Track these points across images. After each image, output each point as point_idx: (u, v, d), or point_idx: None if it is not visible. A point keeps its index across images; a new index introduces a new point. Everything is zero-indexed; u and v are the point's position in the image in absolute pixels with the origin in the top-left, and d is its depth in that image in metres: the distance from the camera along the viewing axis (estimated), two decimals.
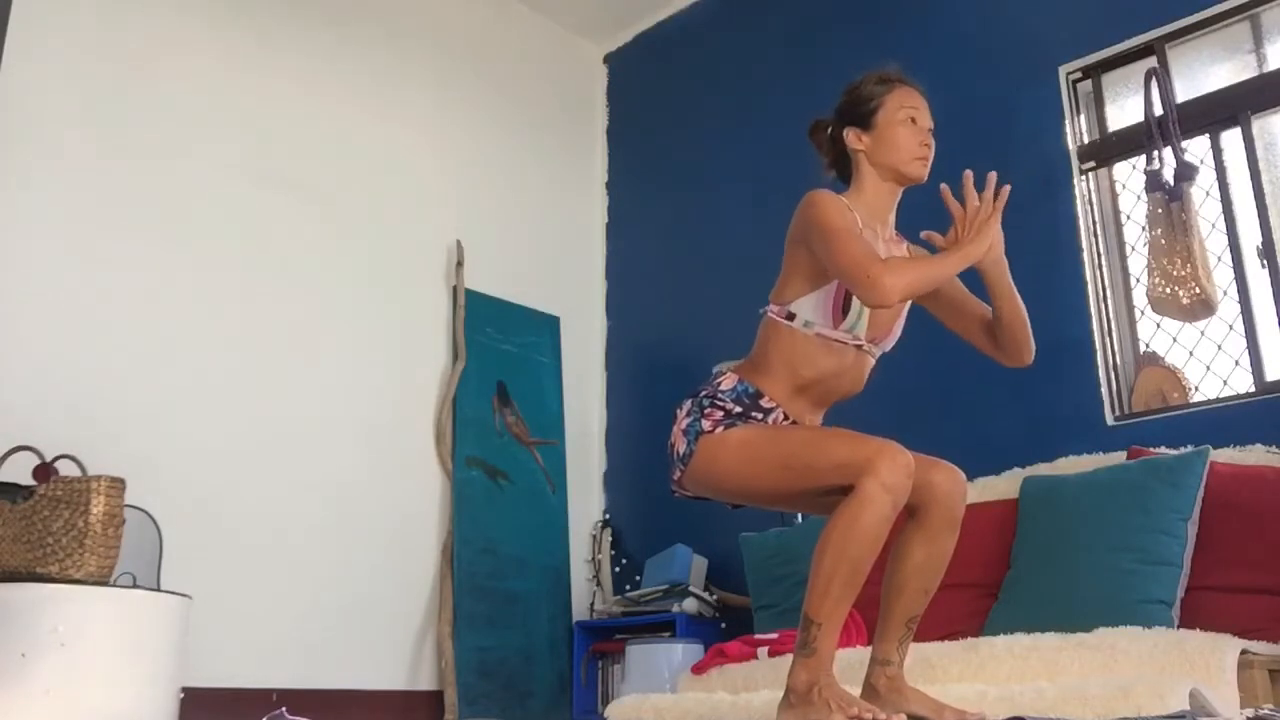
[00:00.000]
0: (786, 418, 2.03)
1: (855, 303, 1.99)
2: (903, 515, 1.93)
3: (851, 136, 2.12)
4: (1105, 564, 2.68)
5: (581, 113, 5.17)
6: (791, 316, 2.02)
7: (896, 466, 1.78)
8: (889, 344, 2.11)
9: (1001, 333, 2.11)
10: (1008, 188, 2.01)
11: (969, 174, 2.01)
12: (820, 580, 1.80)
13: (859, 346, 2.04)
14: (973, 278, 2.09)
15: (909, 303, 2.13)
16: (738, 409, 1.99)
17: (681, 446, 2.01)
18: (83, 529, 2.55)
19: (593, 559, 4.55)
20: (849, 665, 2.26)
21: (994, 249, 2.02)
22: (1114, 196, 3.53)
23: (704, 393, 2.04)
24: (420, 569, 3.97)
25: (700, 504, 4.23)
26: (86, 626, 2.49)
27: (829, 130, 2.18)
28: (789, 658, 1.89)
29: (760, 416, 2.00)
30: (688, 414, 2.03)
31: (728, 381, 2.04)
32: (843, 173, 2.18)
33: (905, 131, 2.07)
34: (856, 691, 1.96)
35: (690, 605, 3.90)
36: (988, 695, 2.10)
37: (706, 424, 1.98)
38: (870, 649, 2.05)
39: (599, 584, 4.47)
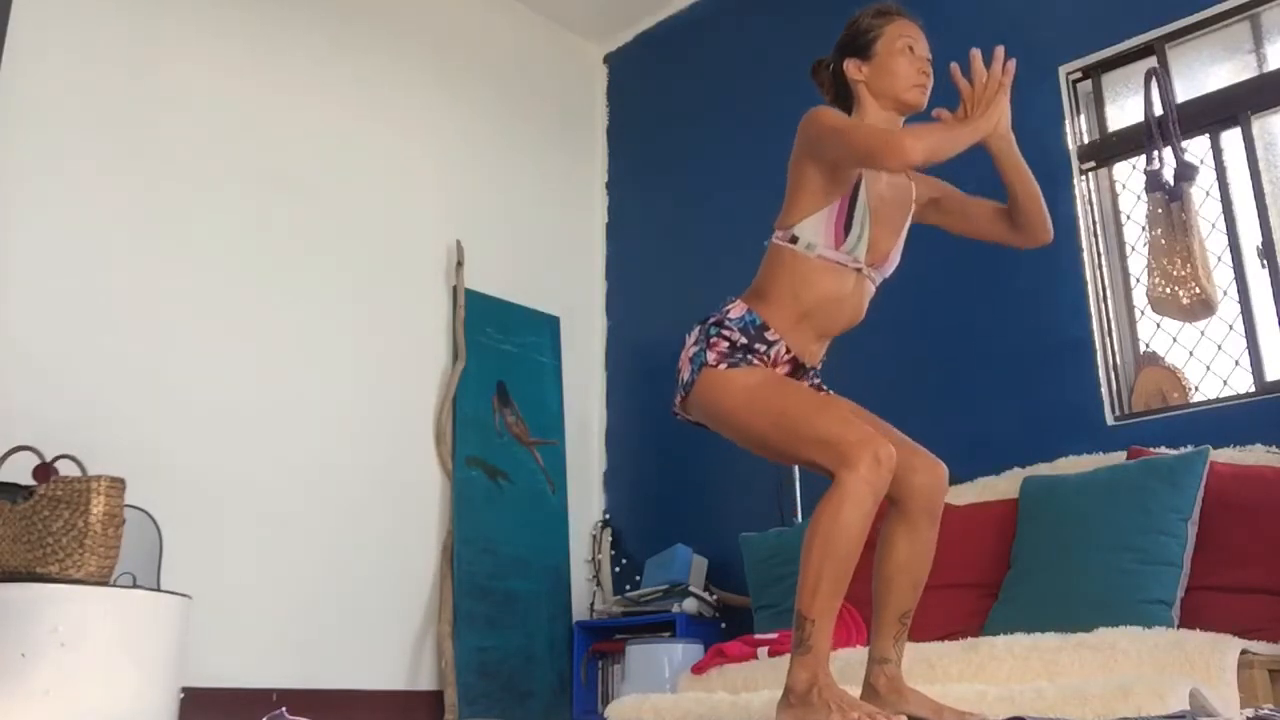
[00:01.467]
0: (788, 351, 2.04)
1: (856, 224, 2.03)
2: (885, 507, 1.96)
3: (851, 68, 2.15)
4: (1105, 564, 2.68)
5: (581, 113, 5.17)
6: (794, 240, 2.05)
7: (876, 461, 1.80)
8: (888, 270, 2.13)
9: (1018, 212, 2.15)
10: (1014, 62, 2.05)
11: (976, 52, 2.05)
12: (809, 577, 1.82)
13: (859, 271, 2.06)
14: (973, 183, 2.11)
15: (907, 228, 2.15)
16: (742, 340, 2.01)
17: (686, 374, 2.06)
18: (83, 529, 2.55)
19: (593, 559, 4.55)
20: (849, 665, 2.26)
21: (1001, 123, 2.06)
22: (1114, 196, 3.53)
23: (712, 320, 2.07)
24: (420, 569, 3.97)
25: (700, 504, 4.26)
26: (86, 626, 2.49)
27: (829, 66, 2.21)
28: (789, 658, 1.89)
29: (764, 349, 2.02)
30: (695, 342, 2.06)
31: (735, 310, 2.06)
32: (844, 106, 2.20)
33: (904, 60, 2.10)
34: (856, 692, 1.96)
35: (690, 605, 3.90)
36: (988, 695, 2.10)
37: (711, 355, 2.00)
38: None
39: (599, 584, 4.47)
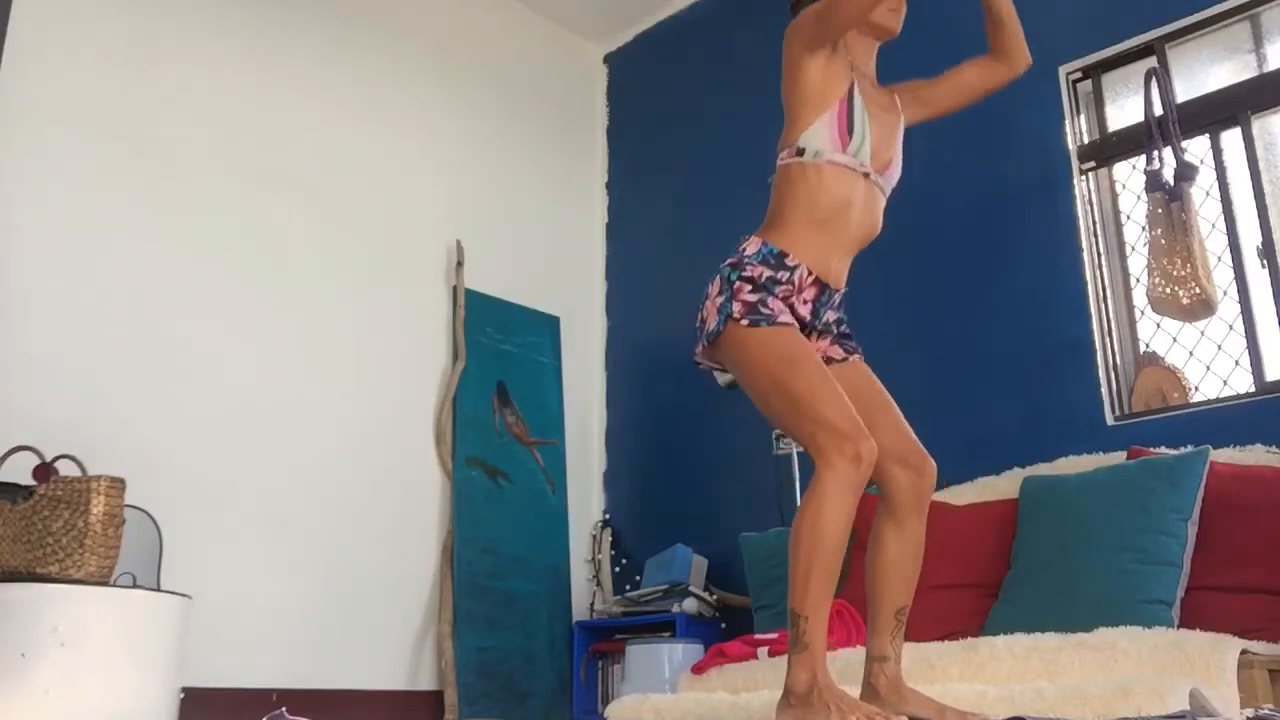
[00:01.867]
0: (810, 274, 2.04)
1: (857, 125, 2.06)
2: (875, 502, 2.03)
3: None
4: (1105, 564, 2.68)
5: (581, 113, 5.17)
6: (801, 152, 2.07)
7: (855, 460, 1.84)
8: (893, 176, 2.16)
9: (998, 30, 2.22)
10: None
11: None
12: (798, 575, 1.85)
13: (866, 177, 2.08)
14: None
15: (901, 138, 2.18)
16: (765, 274, 2.01)
17: (711, 324, 2.05)
18: (83, 529, 2.55)
19: (593, 559, 4.55)
20: (849, 665, 2.26)
21: None
22: (1114, 196, 3.53)
23: (729, 262, 2.07)
24: (420, 569, 3.97)
25: (700, 504, 4.26)
26: (86, 626, 2.49)
27: None
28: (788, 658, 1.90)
29: (786, 277, 2.02)
30: (719, 291, 2.06)
31: (752, 245, 2.07)
32: None
33: None
34: (856, 692, 1.96)
35: (690, 605, 3.90)
36: (988, 695, 2.10)
37: (736, 306, 2.00)
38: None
39: (599, 584, 4.47)
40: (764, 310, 1.99)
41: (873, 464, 1.86)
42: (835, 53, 2.09)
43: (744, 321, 1.99)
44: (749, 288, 2.01)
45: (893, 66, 2.28)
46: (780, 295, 2.01)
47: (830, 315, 2.12)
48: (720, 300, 2.04)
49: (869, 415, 2.02)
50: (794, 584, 1.85)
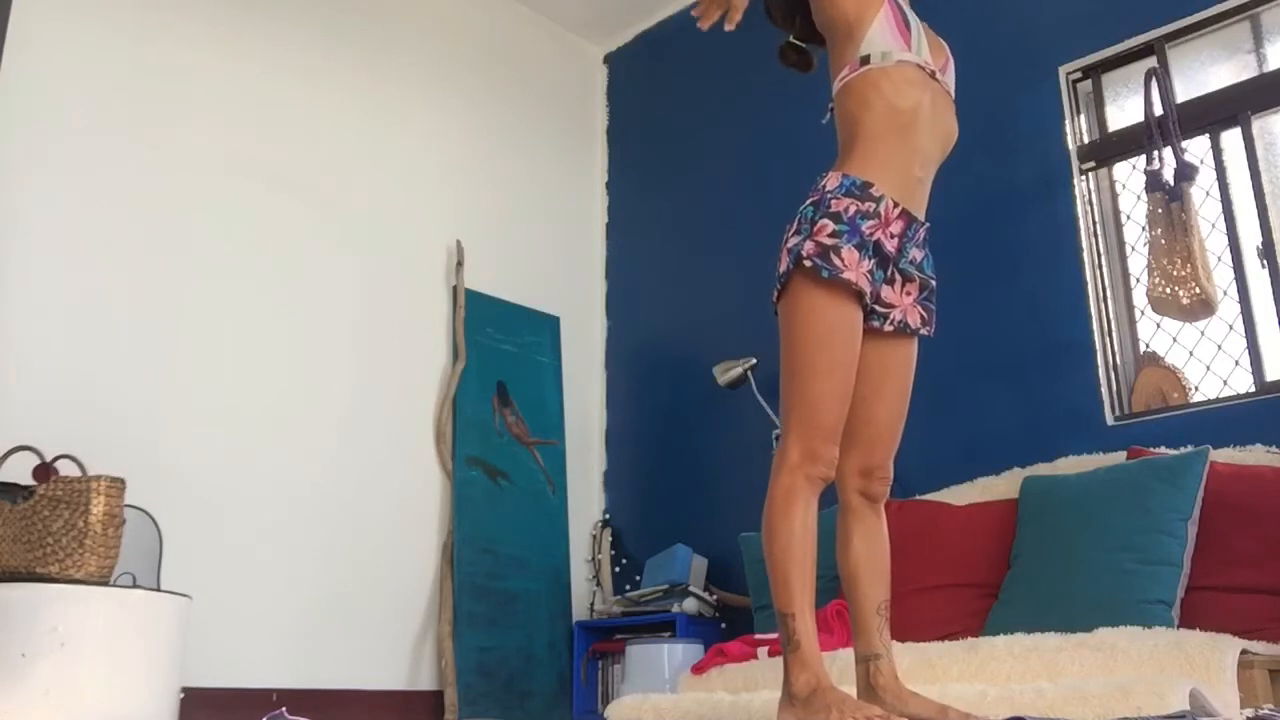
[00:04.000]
0: (896, 205, 1.97)
1: (912, 21, 2.03)
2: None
3: None
4: (1105, 564, 2.68)
5: (581, 113, 5.17)
6: (866, 60, 2.00)
7: (811, 471, 1.88)
8: (950, 75, 2.11)
9: None
10: None
11: None
12: (777, 575, 1.86)
13: (933, 75, 2.03)
14: None
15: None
16: (853, 207, 1.92)
17: (783, 265, 1.97)
18: (83, 529, 2.55)
19: (593, 559, 4.55)
20: (849, 665, 2.26)
21: None
22: (1114, 196, 3.53)
23: (811, 200, 1.99)
24: (420, 569, 3.97)
25: (700, 504, 4.26)
26: (86, 626, 2.49)
27: None
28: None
29: (873, 208, 1.93)
30: (796, 230, 1.97)
31: (832, 180, 1.98)
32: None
33: None
34: (854, 693, 1.96)
35: (690, 605, 3.90)
36: (988, 695, 2.10)
37: (809, 245, 1.92)
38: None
39: (599, 584, 4.47)
40: (834, 260, 1.89)
41: (830, 476, 1.91)
42: None
43: (808, 264, 1.90)
44: (831, 227, 1.92)
45: None
46: (866, 235, 1.93)
47: (916, 254, 2.04)
48: (794, 241, 1.95)
49: (872, 403, 2.02)
50: (775, 585, 1.87)
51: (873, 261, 1.95)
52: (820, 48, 2.22)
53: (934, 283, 2.10)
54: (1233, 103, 3.26)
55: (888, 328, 2.03)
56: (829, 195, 1.95)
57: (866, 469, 2.03)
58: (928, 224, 2.07)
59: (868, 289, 1.94)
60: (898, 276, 2.02)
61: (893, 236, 1.97)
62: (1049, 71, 3.60)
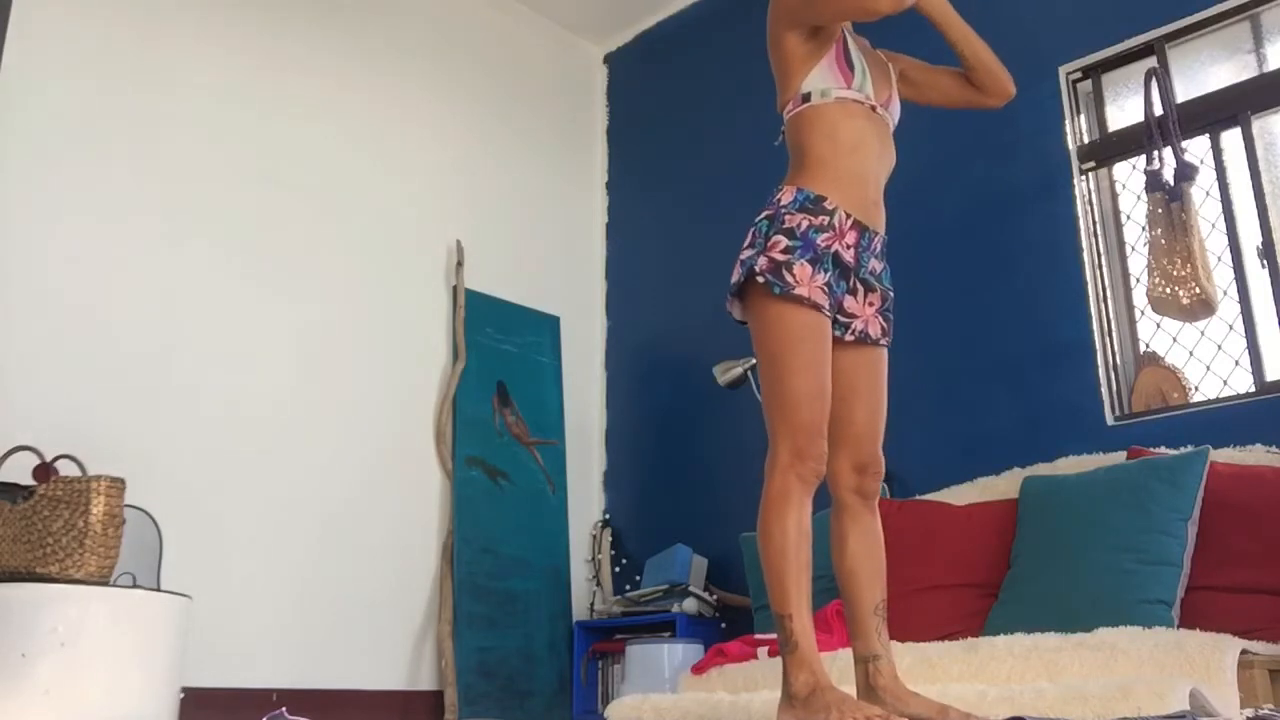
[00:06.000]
0: (849, 216, 2.03)
1: (855, 62, 2.10)
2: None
3: None
4: (1105, 564, 2.68)
5: (581, 113, 5.17)
6: (807, 97, 2.09)
7: (802, 469, 1.91)
8: (894, 111, 2.18)
9: (974, 71, 2.24)
10: None
11: None
12: (773, 578, 1.88)
13: (874, 110, 2.11)
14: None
15: (894, 79, 2.21)
16: (805, 222, 2.00)
17: (735, 275, 2.05)
18: (83, 529, 2.55)
19: (593, 559, 4.55)
20: (850, 665, 2.26)
21: None
22: (1114, 196, 3.53)
23: (765, 214, 2.06)
24: (420, 569, 3.97)
25: (700, 504, 4.26)
26: (86, 626, 2.49)
27: None
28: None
29: (827, 221, 2.00)
30: (750, 243, 2.05)
31: (787, 194, 2.06)
32: None
33: None
34: (853, 692, 1.96)
35: (690, 605, 3.90)
36: (988, 695, 2.10)
37: (762, 261, 1.99)
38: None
39: (599, 584, 4.47)
40: (785, 277, 1.96)
41: (821, 473, 1.93)
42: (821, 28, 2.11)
43: (761, 280, 1.97)
44: (784, 243, 1.98)
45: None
46: (820, 248, 1.98)
47: (875, 265, 2.09)
48: (748, 253, 2.03)
49: (852, 405, 2.06)
50: (771, 587, 1.89)
51: (833, 273, 2.01)
52: None
53: (892, 295, 2.16)
54: (1233, 103, 3.26)
55: (849, 338, 2.08)
56: (783, 210, 2.02)
57: (859, 464, 2.07)
58: (884, 236, 2.13)
59: (824, 301, 1.99)
60: (860, 287, 2.08)
61: (849, 247, 2.03)
62: (1049, 71, 3.60)
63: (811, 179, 2.05)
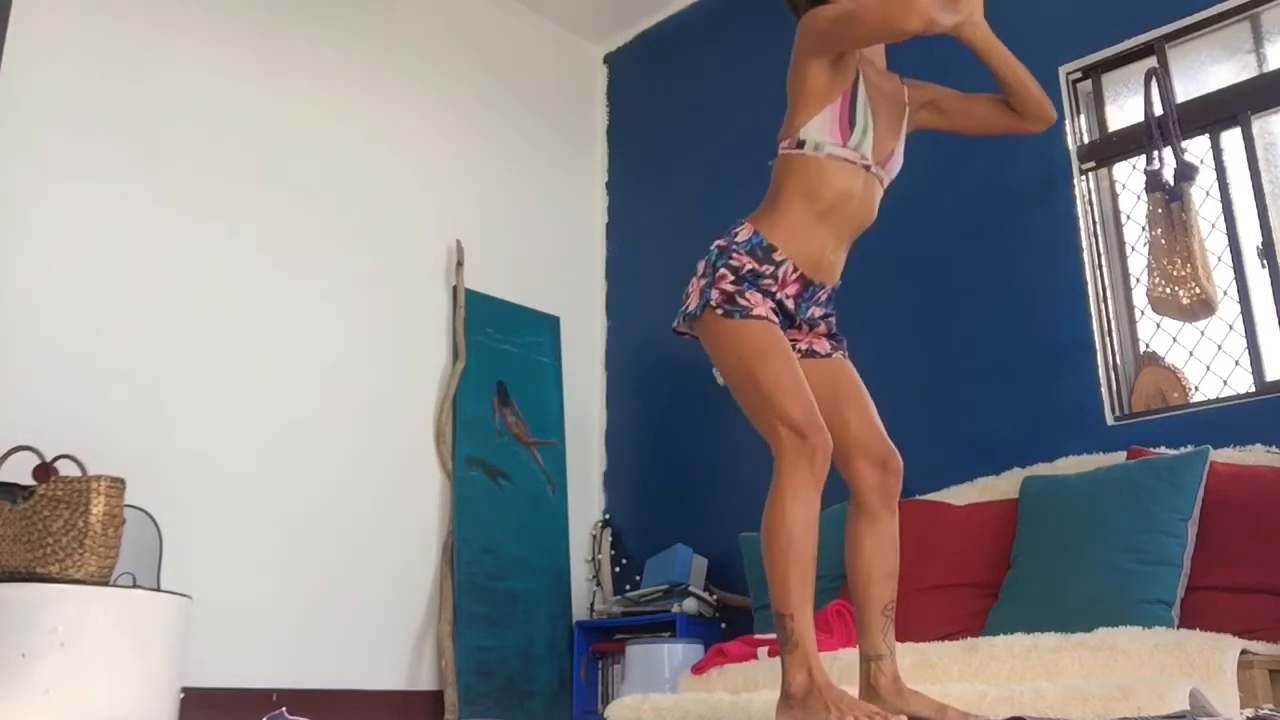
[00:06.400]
0: (795, 270, 2.05)
1: (859, 120, 2.08)
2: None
3: None
4: (1105, 564, 2.68)
5: (581, 113, 5.17)
6: (801, 144, 2.09)
7: (810, 464, 1.88)
8: (894, 167, 2.17)
9: (1014, 96, 2.20)
10: None
11: None
12: (775, 576, 1.87)
13: (867, 169, 2.09)
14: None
15: (905, 131, 2.19)
16: (749, 266, 2.03)
17: (691, 305, 2.09)
18: (83, 529, 2.55)
19: (593, 559, 4.55)
20: (850, 665, 2.26)
21: (976, 12, 2.13)
22: (1114, 196, 3.53)
23: (719, 244, 2.09)
24: (420, 569, 3.97)
25: (700, 504, 4.26)
26: (86, 626, 2.49)
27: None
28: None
29: (771, 271, 2.04)
30: (703, 274, 2.09)
31: (744, 232, 2.09)
32: None
33: None
34: (855, 693, 1.96)
35: (690, 605, 3.90)
36: (988, 695, 2.10)
37: (714, 294, 2.02)
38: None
39: (599, 584, 4.47)
40: (740, 302, 2.01)
41: (828, 456, 1.91)
42: (844, 55, 2.09)
43: (719, 311, 2.01)
44: (730, 277, 2.03)
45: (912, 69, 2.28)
46: (762, 288, 2.02)
47: (816, 311, 2.13)
48: (702, 284, 2.07)
49: (841, 411, 2.06)
50: (773, 585, 1.88)
51: (773, 306, 2.04)
52: None
53: (834, 317, 2.18)
54: (1233, 103, 3.26)
55: (800, 351, 2.12)
56: (734, 247, 2.07)
57: (878, 460, 2.06)
58: (835, 285, 2.15)
59: (776, 321, 2.03)
60: (803, 325, 2.12)
61: (789, 297, 2.07)
62: (1049, 71, 3.60)
63: (772, 227, 2.07)
